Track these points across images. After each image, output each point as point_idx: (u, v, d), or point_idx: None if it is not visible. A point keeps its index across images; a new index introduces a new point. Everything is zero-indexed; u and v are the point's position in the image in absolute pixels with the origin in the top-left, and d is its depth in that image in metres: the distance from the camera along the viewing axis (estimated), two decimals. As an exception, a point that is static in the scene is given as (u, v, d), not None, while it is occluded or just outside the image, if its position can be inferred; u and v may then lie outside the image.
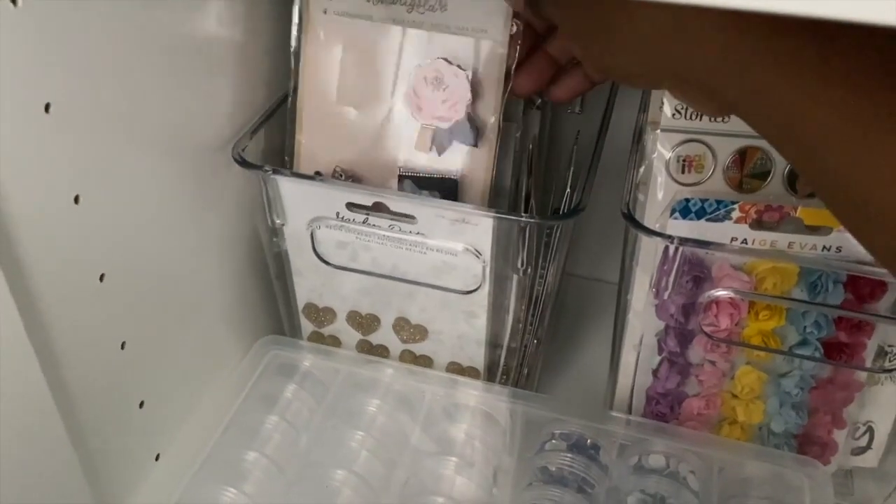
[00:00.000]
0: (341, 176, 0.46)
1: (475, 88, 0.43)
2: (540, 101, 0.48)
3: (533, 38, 0.43)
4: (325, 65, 0.45)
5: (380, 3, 0.43)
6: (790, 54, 0.26)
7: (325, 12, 0.44)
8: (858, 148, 0.25)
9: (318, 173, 0.46)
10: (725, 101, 0.30)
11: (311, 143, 0.46)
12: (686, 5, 0.24)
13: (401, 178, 0.45)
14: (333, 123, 0.46)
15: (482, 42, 0.43)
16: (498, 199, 0.45)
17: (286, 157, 0.47)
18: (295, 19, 0.45)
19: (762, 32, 0.27)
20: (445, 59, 0.43)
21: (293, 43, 0.45)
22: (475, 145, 0.44)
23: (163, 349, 0.44)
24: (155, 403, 0.44)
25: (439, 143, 0.44)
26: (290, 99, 0.46)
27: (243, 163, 0.44)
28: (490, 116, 0.43)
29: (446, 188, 0.45)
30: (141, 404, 0.43)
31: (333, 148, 0.46)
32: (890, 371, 0.43)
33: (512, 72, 0.43)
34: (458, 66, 0.42)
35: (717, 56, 0.28)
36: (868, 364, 0.43)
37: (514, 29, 0.42)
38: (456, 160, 0.44)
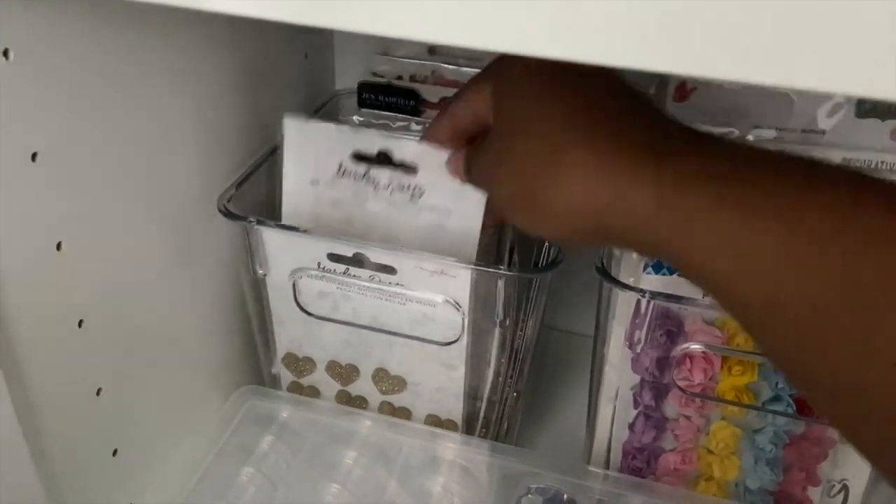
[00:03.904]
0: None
1: None
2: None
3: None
4: None
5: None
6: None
7: None
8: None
9: None
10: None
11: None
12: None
13: None
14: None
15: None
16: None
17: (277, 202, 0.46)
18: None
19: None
20: None
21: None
22: None
23: (139, 397, 0.44)
24: (129, 452, 0.44)
25: None
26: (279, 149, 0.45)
27: (228, 214, 0.45)
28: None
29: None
30: (114, 452, 0.43)
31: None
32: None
33: None
34: None
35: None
36: (841, 421, 0.43)
37: None
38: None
